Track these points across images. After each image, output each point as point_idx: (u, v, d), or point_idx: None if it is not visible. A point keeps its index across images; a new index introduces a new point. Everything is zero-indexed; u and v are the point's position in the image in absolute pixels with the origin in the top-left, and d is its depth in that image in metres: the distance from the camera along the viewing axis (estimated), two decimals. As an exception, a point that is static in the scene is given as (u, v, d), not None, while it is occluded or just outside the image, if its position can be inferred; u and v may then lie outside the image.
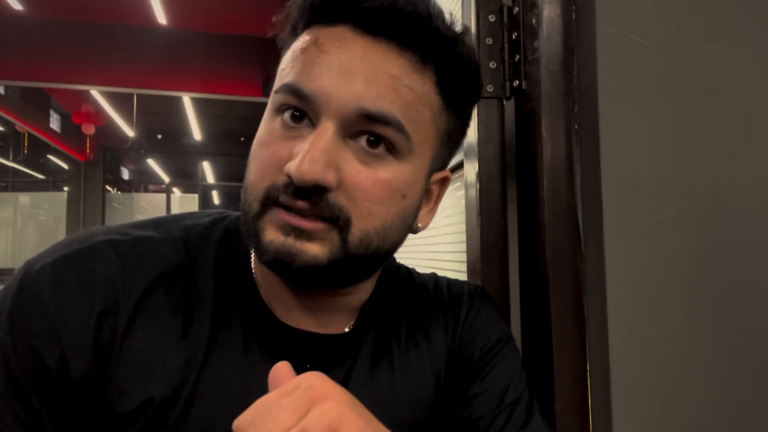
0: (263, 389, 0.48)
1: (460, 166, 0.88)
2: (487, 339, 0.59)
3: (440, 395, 0.57)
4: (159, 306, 0.48)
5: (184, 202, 12.17)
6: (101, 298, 0.46)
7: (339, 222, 0.45)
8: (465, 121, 0.55)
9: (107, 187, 10.80)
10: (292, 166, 0.43)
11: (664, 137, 0.62)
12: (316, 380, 0.33)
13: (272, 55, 0.54)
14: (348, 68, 0.45)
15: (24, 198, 10.72)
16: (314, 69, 0.45)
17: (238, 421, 0.35)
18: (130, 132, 9.36)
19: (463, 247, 0.83)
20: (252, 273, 0.53)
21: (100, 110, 8.44)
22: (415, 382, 0.56)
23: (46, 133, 8.63)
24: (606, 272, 0.59)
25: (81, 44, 5.90)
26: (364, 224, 0.46)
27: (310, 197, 0.44)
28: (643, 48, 0.62)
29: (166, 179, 12.91)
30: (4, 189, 10.80)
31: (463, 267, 0.84)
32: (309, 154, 0.43)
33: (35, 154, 10.54)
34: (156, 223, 0.54)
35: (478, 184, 0.74)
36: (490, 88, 0.73)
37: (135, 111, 8.64)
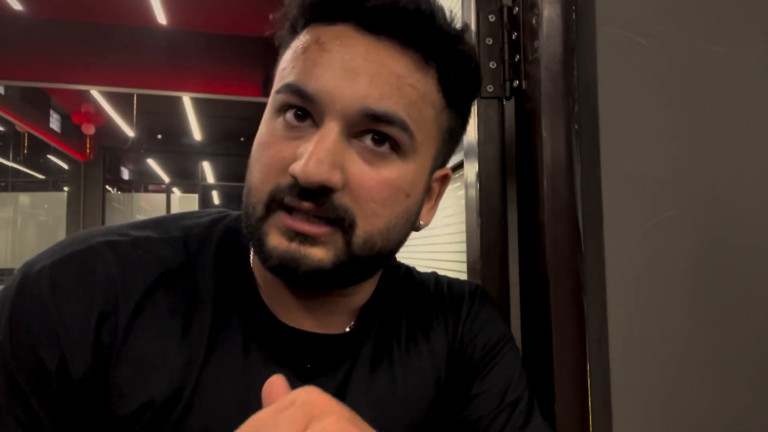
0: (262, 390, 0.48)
1: (460, 166, 0.88)
2: (488, 339, 0.59)
3: (440, 395, 0.57)
4: (159, 307, 0.48)
5: (184, 202, 12.17)
6: (101, 299, 0.46)
7: (344, 224, 0.45)
8: (465, 118, 0.55)
9: (107, 187, 10.80)
10: (297, 167, 0.43)
11: (664, 137, 0.62)
12: (313, 395, 0.32)
13: (272, 55, 0.54)
14: (351, 67, 0.44)
15: (24, 198, 10.72)
16: (316, 68, 0.45)
17: None
18: (130, 132, 9.36)
19: (463, 247, 0.83)
20: (252, 273, 0.53)
21: (100, 110, 8.44)
22: (416, 382, 0.56)
23: (46, 133, 8.63)
24: (606, 272, 0.59)
25: (81, 44, 5.89)
26: (368, 226, 0.46)
27: (316, 198, 0.44)
28: (643, 48, 0.62)
29: (166, 179, 12.91)
30: (4, 189, 10.80)
31: (463, 267, 0.84)
32: (314, 155, 0.42)
33: (35, 154, 10.54)
34: (155, 224, 0.53)
35: (478, 184, 0.74)
36: (490, 88, 0.73)
37: (135, 111, 8.64)
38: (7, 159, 10.38)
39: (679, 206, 0.61)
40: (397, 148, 0.46)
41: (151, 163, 12.68)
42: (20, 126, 8.09)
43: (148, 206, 12.22)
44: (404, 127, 0.45)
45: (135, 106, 8.51)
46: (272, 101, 0.48)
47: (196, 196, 11.84)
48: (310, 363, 0.51)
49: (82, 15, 5.70)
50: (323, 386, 0.51)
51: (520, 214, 0.73)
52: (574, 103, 0.61)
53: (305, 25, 0.49)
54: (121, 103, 8.26)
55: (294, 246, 0.44)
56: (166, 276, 0.49)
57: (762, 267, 0.62)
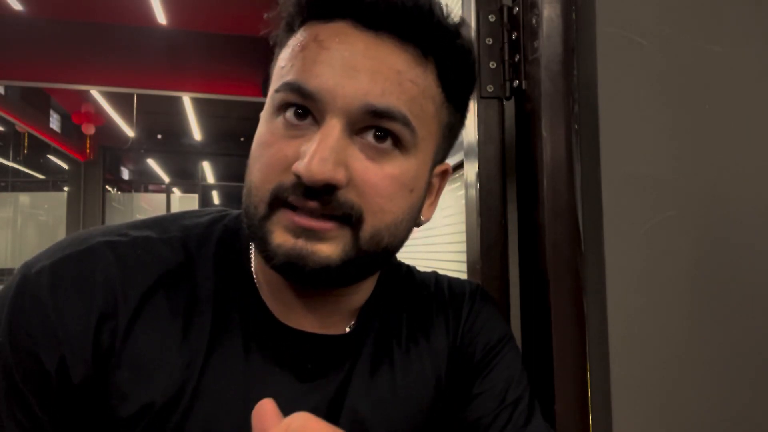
0: (264, 390, 0.48)
1: (460, 166, 0.88)
2: (488, 339, 0.59)
3: (441, 395, 0.57)
4: (159, 308, 0.48)
5: (184, 202, 12.17)
6: (100, 301, 0.45)
7: (351, 219, 0.45)
8: (463, 114, 0.55)
9: (107, 187, 10.79)
10: (301, 166, 0.42)
11: (664, 137, 0.62)
12: (308, 421, 0.29)
13: (272, 54, 0.54)
14: (351, 64, 0.44)
15: (24, 198, 10.71)
16: (316, 66, 0.44)
17: None
18: (130, 132, 9.36)
19: (463, 247, 0.83)
20: (252, 273, 0.53)
21: (100, 110, 8.44)
22: (416, 382, 0.56)
23: (46, 133, 8.63)
24: (606, 272, 0.59)
25: (81, 44, 5.89)
26: (375, 221, 0.46)
27: (321, 197, 0.43)
28: (643, 48, 0.62)
29: (166, 179, 12.91)
30: (4, 189, 10.80)
31: (463, 267, 0.84)
32: (318, 153, 0.42)
33: (35, 154, 10.54)
34: (155, 223, 0.53)
35: (478, 184, 0.74)
36: (490, 88, 0.73)
37: (135, 111, 8.63)
38: (7, 159, 10.38)
39: (679, 206, 0.61)
40: (399, 144, 0.46)
41: (151, 163, 12.68)
42: (20, 126, 8.08)
43: (148, 206, 12.21)
44: (406, 122, 0.45)
45: (135, 106, 8.51)
46: (271, 100, 0.48)
47: (196, 196, 11.85)
48: (311, 363, 0.51)
49: (82, 15, 5.70)
50: (323, 387, 0.51)
51: (520, 214, 0.73)
52: (574, 103, 0.61)
53: (302, 23, 0.48)
54: (121, 103, 8.26)
55: (301, 243, 0.44)
56: (166, 276, 0.49)
57: (762, 267, 0.62)
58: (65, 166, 10.56)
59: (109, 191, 11.04)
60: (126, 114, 8.72)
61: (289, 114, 0.46)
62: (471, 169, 0.77)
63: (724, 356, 0.61)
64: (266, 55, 0.53)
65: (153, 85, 6.35)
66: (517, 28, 0.71)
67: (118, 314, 0.46)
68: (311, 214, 0.44)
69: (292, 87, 0.45)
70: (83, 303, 0.45)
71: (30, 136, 8.92)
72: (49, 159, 10.97)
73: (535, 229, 0.67)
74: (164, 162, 12.74)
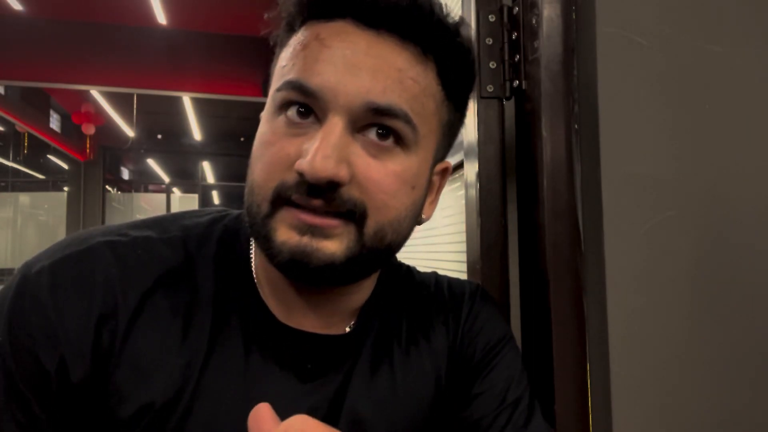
0: (264, 391, 0.48)
1: (460, 166, 0.88)
2: (488, 339, 0.59)
3: (441, 395, 0.57)
4: (159, 309, 0.47)
5: (184, 202, 12.17)
6: (100, 301, 0.45)
7: (355, 216, 0.45)
8: (463, 112, 0.55)
9: (107, 187, 10.79)
10: (304, 163, 0.42)
11: (664, 137, 0.62)
12: (307, 425, 0.29)
13: (272, 54, 0.54)
14: (353, 62, 0.44)
15: (24, 198, 10.71)
16: (318, 64, 0.45)
17: None
18: (130, 132, 9.36)
19: (463, 247, 0.83)
20: (252, 273, 0.53)
21: (100, 110, 8.44)
22: (416, 382, 0.56)
23: (46, 133, 8.63)
24: (606, 272, 0.59)
25: (81, 44, 5.89)
26: (379, 217, 0.46)
27: (324, 194, 0.43)
28: (643, 48, 0.62)
29: (166, 179, 12.91)
30: (4, 189, 10.80)
31: (463, 267, 0.84)
32: (320, 151, 0.42)
33: (35, 154, 10.54)
34: (154, 223, 0.53)
35: (478, 184, 0.74)
36: (490, 88, 0.73)
37: (135, 111, 8.63)
38: (7, 159, 10.38)
39: (679, 206, 0.61)
40: (400, 142, 0.47)
41: (151, 163, 12.68)
42: (20, 126, 8.09)
43: (148, 206, 12.21)
44: (408, 120, 0.46)
45: (135, 106, 8.51)
46: (272, 99, 0.48)
47: (196, 196, 11.85)
48: (311, 363, 0.51)
49: (82, 15, 5.70)
50: (324, 387, 0.51)
51: (520, 214, 0.73)
52: (574, 103, 0.61)
53: (303, 23, 0.49)
54: (121, 103, 8.26)
55: (306, 240, 0.44)
56: (166, 277, 0.49)
57: (762, 267, 0.62)
58: (65, 166, 10.56)
59: (109, 191, 11.04)
60: (126, 114, 8.72)
61: (291, 112, 0.46)
62: (471, 169, 0.77)
63: (724, 356, 0.61)
64: (266, 55, 0.53)
65: (153, 85, 6.35)
66: (517, 28, 0.71)
67: (117, 314, 0.46)
68: (315, 211, 0.44)
69: (294, 85, 0.45)
70: (83, 303, 0.45)
71: (30, 136, 8.93)
72: (49, 159, 10.97)
73: (535, 229, 0.67)
74: (164, 162, 12.74)
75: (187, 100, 7.94)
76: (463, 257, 0.83)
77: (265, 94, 0.52)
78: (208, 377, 0.47)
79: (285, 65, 0.48)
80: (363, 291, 0.55)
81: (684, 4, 0.63)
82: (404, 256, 0.69)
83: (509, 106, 0.75)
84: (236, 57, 6.04)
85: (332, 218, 0.45)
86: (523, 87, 0.70)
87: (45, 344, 0.43)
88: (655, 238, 0.60)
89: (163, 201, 11.66)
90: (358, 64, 0.44)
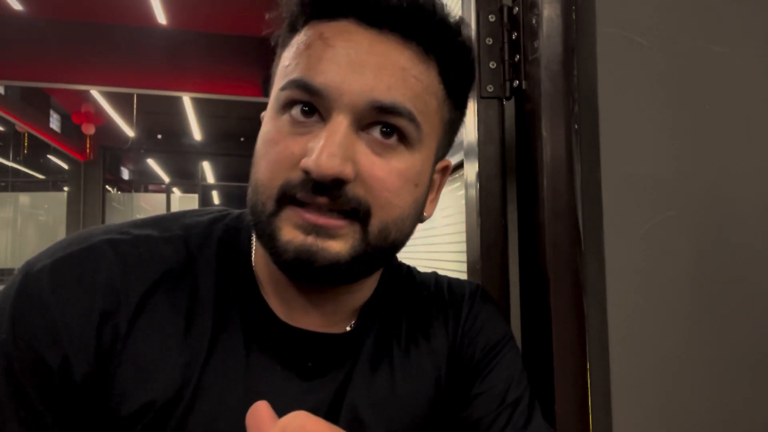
0: (264, 389, 0.48)
1: (460, 166, 0.88)
2: (488, 339, 0.59)
3: (441, 395, 0.57)
4: (160, 307, 0.48)
5: (184, 202, 12.17)
6: (102, 299, 0.45)
7: (359, 215, 0.45)
8: (463, 111, 0.56)
9: (107, 187, 10.79)
10: (309, 162, 0.43)
11: (664, 137, 0.62)
12: (305, 420, 0.29)
13: (272, 54, 0.54)
14: (357, 61, 0.45)
15: (24, 198, 10.71)
16: (322, 63, 0.45)
17: None
18: (130, 132, 9.35)
19: (463, 247, 0.83)
20: (253, 272, 0.53)
21: (100, 110, 8.44)
22: (416, 382, 0.56)
23: (46, 133, 8.63)
24: (606, 272, 0.59)
25: (81, 44, 5.89)
26: (383, 215, 0.46)
27: (330, 192, 0.44)
28: (643, 48, 0.62)
29: (166, 179, 12.91)
30: (4, 189, 10.80)
31: (463, 267, 0.84)
32: (326, 149, 0.43)
33: (35, 154, 10.54)
34: (156, 222, 0.53)
35: (478, 184, 0.74)
36: (490, 88, 0.73)
37: (135, 111, 8.63)
38: (7, 159, 10.38)
39: (679, 206, 0.61)
40: (404, 140, 0.47)
41: (151, 163, 12.68)
42: (20, 126, 8.08)
43: (148, 206, 12.21)
44: (411, 118, 0.46)
45: (135, 106, 8.51)
46: (276, 98, 0.48)
47: (196, 196, 11.85)
48: (311, 362, 0.51)
49: (82, 15, 5.70)
50: (324, 386, 0.51)
51: (520, 214, 0.73)
52: (574, 103, 0.61)
53: (306, 22, 0.49)
54: (121, 103, 8.26)
55: (311, 239, 0.44)
56: (167, 276, 0.49)
57: (762, 267, 0.62)
58: (65, 166, 10.56)
59: (109, 191, 11.04)
60: (126, 114, 8.71)
61: (296, 111, 0.46)
62: (471, 169, 0.77)
63: (724, 356, 0.61)
64: (266, 55, 0.53)
65: (153, 85, 6.35)
66: (517, 28, 0.71)
67: (119, 313, 0.46)
68: (320, 209, 0.44)
69: (298, 84, 0.45)
70: (85, 301, 0.45)
71: (30, 136, 8.92)
72: (49, 159, 10.97)
73: (535, 229, 0.67)
74: (164, 162, 12.74)
75: (187, 100, 7.94)
76: (463, 257, 0.83)
77: (266, 94, 0.52)
78: (209, 376, 0.47)
79: (288, 65, 0.48)
80: (364, 290, 0.56)
81: (684, 4, 0.63)
82: (404, 256, 0.69)
83: (509, 106, 0.75)
84: (236, 57, 6.04)
85: (337, 218, 0.45)
86: (523, 87, 0.70)
87: (48, 342, 0.43)
88: (655, 238, 0.60)
89: (163, 201, 11.66)
90: (362, 63, 0.45)
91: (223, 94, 6.53)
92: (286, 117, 0.47)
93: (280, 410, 0.49)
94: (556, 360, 0.61)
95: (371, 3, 0.46)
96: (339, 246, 0.45)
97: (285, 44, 0.51)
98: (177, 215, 0.56)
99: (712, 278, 0.61)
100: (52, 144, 8.97)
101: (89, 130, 8.56)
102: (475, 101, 0.74)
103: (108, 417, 0.45)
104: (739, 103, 0.63)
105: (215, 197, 12.77)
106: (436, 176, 0.55)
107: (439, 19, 0.48)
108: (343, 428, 0.50)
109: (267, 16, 0.52)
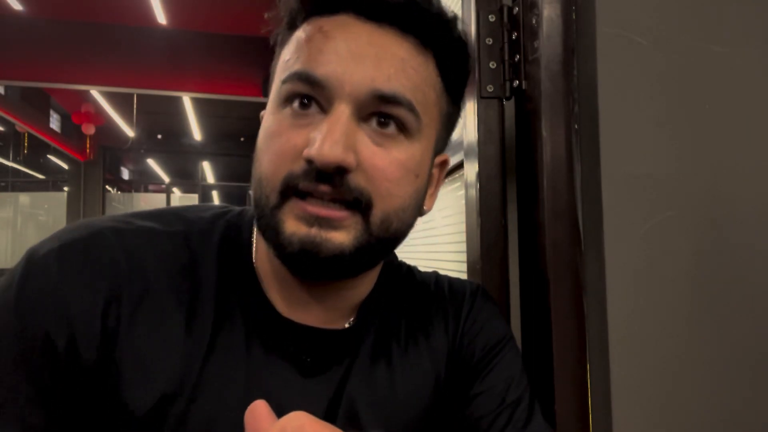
0: (265, 384, 0.49)
1: (460, 166, 0.88)
2: (488, 338, 0.59)
3: (440, 394, 0.57)
4: (163, 299, 0.48)
5: (184, 203, 12.15)
6: (107, 285, 0.46)
7: (361, 205, 0.46)
8: (459, 105, 0.57)
9: (107, 187, 10.79)
10: (312, 150, 0.43)
11: (664, 137, 0.62)
12: (306, 422, 0.29)
13: (272, 54, 0.54)
14: (357, 52, 0.46)
15: (24, 198, 10.70)
16: (323, 55, 0.46)
17: None
18: (130, 132, 9.35)
19: (463, 247, 0.83)
20: (254, 268, 0.53)
21: (100, 110, 8.43)
22: (414, 381, 0.56)
23: (46, 133, 8.62)
24: (606, 272, 0.59)
25: (81, 44, 5.89)
26: (384, 205, 0.47)
27: (332, 180, 0.44)
28: (643, 48, 0.62)
29: (166, 179, 12.90)
30: (4, 189, 10.80)
31: (463, 267, 0.84)
32: (329, 137, 0.43)
33: (35, 154, 10.54)
34: (157, 215, 0.54)
35: (478, 184, 0.74)
36: (490, 88, 0.73)
37: (135, 111, 8.63)
38: (7, 159, 10.38)
39: (679, 206, 0.61)
40: (404, 130, 0.48)
41: (151, 163, 12.68)
42: (20, 126, 8.08)
43: (148, 206, 12.13)
44: (411, 108, 0.47)
45: (135, 106, 8.51)
46: (277, 92, 0.49)
47: (196, 196, 11.85)
48: (311, 357, 0.52)
49: (82, 15, 5.69)
50: (324, 382, 0.52)
51: (520, 214, 0.73)
52: (574, 103, 0.61)
53: (305, 19, 0.50)
54: (121, 103, 8.26)
55: (314, 231, 0.45)
56: (169, 269, 0.49)
57: (762, 267, 0.62)
58: (65, 166, 10.56)
59: (109, 191, 11.04)
60: (126, 114, 8.71)
61: (297, 104, 0.47)
62: (471, 169, 0.77)
63: (724, 356, 0.61)
64: (266, 55, 0.54)
65: (153, 85, 6.35)
66: (517, 28, 0.71)
67: (122, 300, 0.46)
68: (322, 199, 0.45)
69: (300, 76, 0.46)
70: (91, 285, 0.45)
71: (30, 136, 8.92)
72: (49, 159, 10.97)
73: (535, 229, 0.67)
74: (164, 162, 12.74)
75: (187, 100, 7.94)
76: (463, 257, 0.83)
77: (265, 94, 0.52)
78: (210, 368, 0.48)
79: (289, 59, 0.48)
80: (364, 285, 0.56)
81: (684, 4, 0.63)
82: (404, 256, 0.69)
83: (509, 106, 0.75)
84: (236, 57, 6.04)
85: (340, 209, 0.45)
86: (523, 87, 0.70)
87: (56, 322, 0.43)
88: (655, 238, 0.60)
89: (163, 201, 11.65)
90: (362, 54, 0.46)
91: (223, 94, 6.52)
92: (287, 110, 0.47)
93: (281, 405, 0.50)
94: (556, 360, 0.61)
95: None
96: (342, 237, 0.46)
97: (284, 42, 0.51)
98: (178, 210, 0.56)
99: (712, 278, 0.61)
100: (52, 144, 8.96)
101: (89, 130, 8.56)
102: (475, 101, 0.74)
103: (109, 406, 0.45)
104: (739, 103, 0.63)
105: (215, 197, 12.77)
106: (435, 170, 0.56)
107: (435, 13, 0.49)
108: (342, 425, 0.50)
109: (266, 15, 0.53)
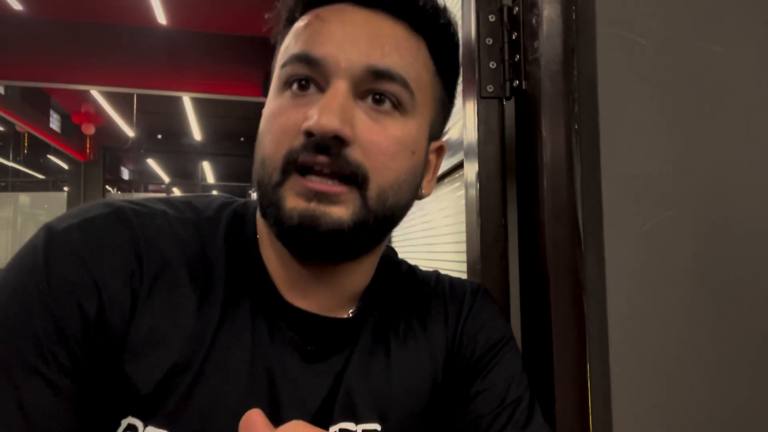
0: (268, 366, 0.50)
1: (460, 166, 0.88)
2: (489, 337, 0.60)
3: (437, 389, 0.58)
4: (177, 276, 0.49)
5: (184, 202, 12.14)
6: (130, 256, 0.47)
7: (358, 179, 0.47)
8: (452, 94, 0.59)
9: (107, 187, 10.80)
10: (310, 122, 0.45)
11: (664, 137, 0.62)
12: (303, 430, 0.29)
13: (272, 54, 0.55)
14: (352, 34, 0.49)
15: (24, 198, 10.71)
16: (320, 36, 0.49)
17: None
18: (130, 132, 9.36)
19: (463, 247, 0.83)
20: (260, 255, 0.54)
21: (100, 110, 8.44)
22: (411, 374, 0.56)
23: (46, 133, 8.63)
24: (606, 272, 0.59)
25: (81, 44, 5.89)
26: (380, 179, 0.48)
27: (330, 151, 0.46)
28: (643, 48, 0.62)
29: (166, 179, 12.90)
30: (4, 189, 10.81)
31: (463, 267, 0.84)
32: (326, 108, 0.45)
33: (35, 154, 10.55)
34: (167, 202, 0.55)
35: (478, 184, 0.74)
36: (490, 88, 0.73)
37: (135, 111, 8.64)
38: (7, 159, 10.39)
39: (679, 206, 0.61)
40: (399, 106, 0.50)
41: (151, 163, 12.68)
42: (20, 126, 8.09)
43: (148, 206, 12.18)
44: (405, 84, 0.49)
45: (135, 106, 8.52)
46: (278, 77, 0.51)
47: (196, 196, 11.83)
48: (314, 345, 0.52)
49: (82, 15, 5.70)
50: (325, 371, 0.52)
51: (520, 214, 0.73)
52: (574, 103, 0.61)
53: (303, 12, 0.52)
54: (121, 103, 8.27)
55: (313, 205, 0.46)
56: (182, 251, 0.50)
57: (762, 267, 0.62)
58: (65, 166, 10.57)
59: (109, 191, 11.04)
60: (126, 114, 8.72)
61: (296, 86, 0.49)
62: (471, 169, 0.77)
63: (724, 356, 0.61)
64: (266, 55, 0.55)
65: (153, 85, 6.35)
66: (517, 28, 0.71)
67: (143, 272, 0.47)
68: (321, 173, 0.46)
69: (299, 57, 0.48)
70: (115, 255, 0.46)
71: (30, 136, 8.93)
72: (49, 159, 10.98)
73: (535, 229, 0.67)
74: (164, 162, 12.74)
75: (187, 100, 7.94)
76: (463, 257, 0.83)
77: (265, 95, 0.54)
78: (219, 345, 0.48)
79: (288, 45, 0.51)
80: (363, 272, 0.56)
81: (684, 4, 0.63)
82: (404, 256, 0.69)
83: (509, 106, 0.75)
84: (236, 57, 6.04)
85: (338, 185, 0.47)
86: (523, 87, 0.70)
87: (86, 290, 0.44)
88: (655, 237, 0.60)
89: (163, 201, 11.63)
90: (357, 35, 0.49)
91: (223, 94, 6.53)
92: (287, 93, 0.49)
93: (284, 388, 0.50)
94: (556, 360, 0.61)
95: None
96: (341, 211, 0.47)
97: (284, 37, 0.53)
98: (186, 199, 0.57)
99: (712, 278, 0.61)
100: (52, 144, 8.97)
101: (89, 130, 8.57)
102: (475, 101, 0.74)
103: (118, 377, 0.45)
104: (739, 103, 0.63)
105: (215, 197, 12.73)
106: (432, 156, 0.57)
107: (424, 1, 0.52)
108: (339, 414, 0.52)
109: (266, 15, 0.55)
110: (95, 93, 7.61)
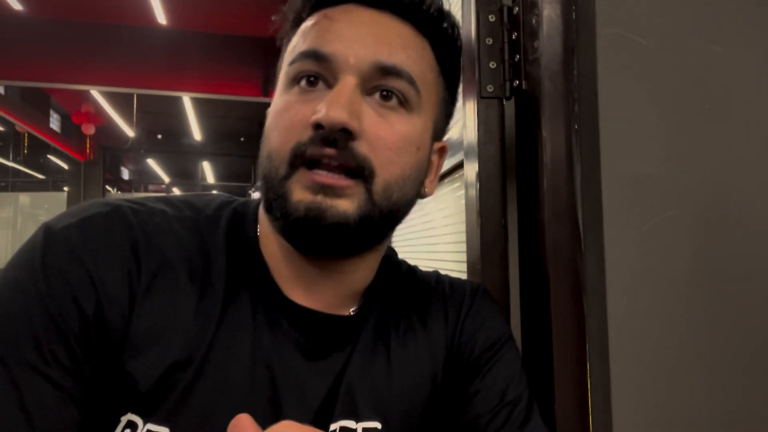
0: (269, 363, 0.50)
1: (460, 166, 0.88)
2: (488, 336, 0.60)
3: (436, 388, 0.58)
4: (178, 273, 0.49)
5: (184, 202, 12.14)
6: (127, 256, 0.47)
7: (364, 173, 0.48)
8: (454, 96, 0.60)
9: (107, 187, 10.80)
10: (319, 114, 0.46)
11: (664, 137, 0.62)
12: (292, 430, 0.28)
13: (272, 54, 0.56)
14: (360, 32, 0.50)
15: (24, 198, 10.70)
16: (328, 34, 0.50)
17: None
18: (130, 132, 9.36)
19: (463, 247, 0.83)
20: (261, 253, 0.54)
21: (100, 110, 8.44)
22: (411, 373, 0.57)
23: (46, 133, 8.63)
24: (606, 272, 0.59)
25: (81, 44, 5.89)
26: (386, 173, 0.49)
27: (337, 144, 0.46)
28: (643, 48, 0.62)
29: (166, 179, 12.91)
30: (4, 189, 10.80)
31: (463, 267, 0.84)
32: (334, 101, 0.46)
33: (35, 154, 10.55)
34: (166, 201, 0.55)
35: (478, 184, 0.74)
36: (490, 88, 0.73)
37: (135, 111, 8.64)
38: (7, 159, 10.39)
39: (679, 206, 0.61)
40: (405, 103, 0.51)
41: (151, 163, 12.68)
42: (20, 126, 8.09)
43: (148, 206, 12.18)
44: (411, 81, 0.50)
45: (135, 106, 8.51)
46: (285, 74, 0.52)
47: (196, 196, 11.83)
48: (315, 343, 0.52)
49: (82, 15, 5.70)
50: (326, 368, 0.53)
51: (520, 214, 0.73)
52: (574, 103, 0.61)
53: (310, 13, 0.53)
54: (121, 103, 8.26)
55: (320, 198, 0.47)
56: (182, 249, 0.51)
57: (762, 267, 0.62)
58: (65, 166, 10.57)
59: (109, 191, 11.04)
60: (126, 114, 8.72)
61: (304, 83, 0.50)
62: (471, 169, 0.77)
63: (724, 356, 0.61)
64: (266, 55, 0.56)
65: (153, 85, 6.35)
66: (517, 28, 0.71)
67: (141, 272, 0.47)
68: (328, 167, 0.47)
69: (308, 54, 0.49)
70: (114, 253, 0.46)
71: (30, 136, 8.93)
72: (49, 159, 10.98)
73: (535, 229, 0.67)
74: (164, 162, 12.74)
75: (187, 100, 7.94)
76: (463, 257, 0.83)
77: (265, 94, 0.54)
78: (219, 341, 0.49)
79: (296, 44, 0.52)
80: (365, 270, 0.56)
81: (684, 4, 0.63)
82: (405, 256, 0.69)
83: (509, 106, 0.75)
84: (236, 57, 6.04)
85: (344, 178, 0.47)
86: (523, 87, 0.70)
87: (83, 287, 0.44)
88: (655, 238, 0.60)
89: (163, 201, 11.63)
90: (365, 33, 0.50)
91: (223, 94, 6.53)
92: (295, 89, 0.50)
93: (285, 385, 0.50)
94: (556, 360, 0.61)
95: None
96: (347, 205, 0.47)
97: (290, 38, 0.54)
98: (185, 198, 0.57)
99: (712, 278, 0.61)
100: (52, 144, 8.97)
101: (89, 130, 8.56)
102: (475, 101, 0.74)
103: (118, 374, 0.45)
104: (739, 103, 0.63)
105: (215, 197, 12.74)
106: (434, 157, 0.58)
107: (430, 4, 0.54)
108: (340, 412, 0.52)
109: (273, 17, 0.56)
110: (95, 93, 7.61)
